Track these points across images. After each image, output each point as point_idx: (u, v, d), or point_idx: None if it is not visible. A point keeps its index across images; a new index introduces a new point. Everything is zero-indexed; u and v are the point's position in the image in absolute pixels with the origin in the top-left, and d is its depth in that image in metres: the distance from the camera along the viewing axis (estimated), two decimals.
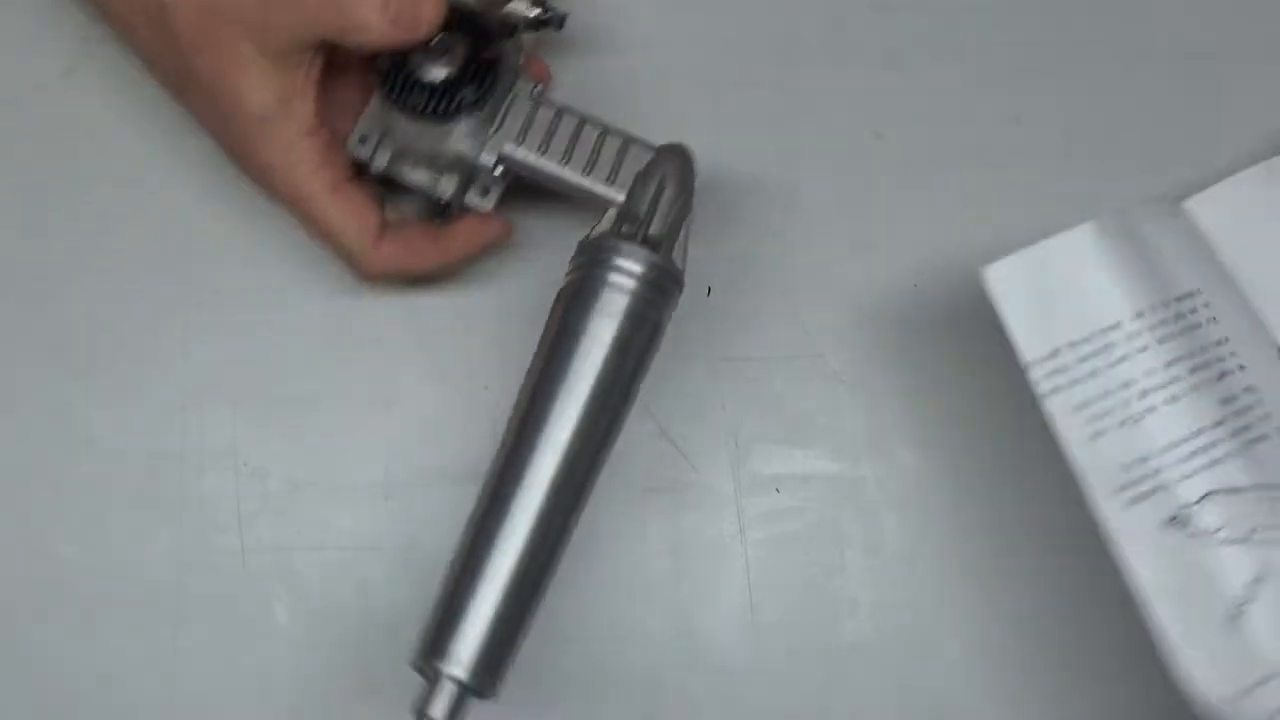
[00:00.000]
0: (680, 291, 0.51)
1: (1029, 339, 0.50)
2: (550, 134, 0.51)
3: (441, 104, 0.50)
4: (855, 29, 0.60)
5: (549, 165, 0.51)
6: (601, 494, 0.55)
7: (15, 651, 0.53)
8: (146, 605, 0.54)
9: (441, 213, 0.53)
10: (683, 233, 0.51)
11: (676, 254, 0.50)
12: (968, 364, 0.56)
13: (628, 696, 0.54)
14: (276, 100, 0.48)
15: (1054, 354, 0.50)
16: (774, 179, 0.58)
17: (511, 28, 0.52)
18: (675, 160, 0.51)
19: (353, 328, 0.56)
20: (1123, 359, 0.50)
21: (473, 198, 0.53)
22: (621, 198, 0.51)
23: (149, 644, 0.53)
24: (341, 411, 0.56)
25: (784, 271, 0.57)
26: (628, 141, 0.51)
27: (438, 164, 0.52)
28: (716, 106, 0.59)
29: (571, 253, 0.51)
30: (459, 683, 0.45)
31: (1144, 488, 0.49)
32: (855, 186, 0.58)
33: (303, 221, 0.52)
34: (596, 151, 0.51)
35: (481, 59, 0.50)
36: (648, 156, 0.51)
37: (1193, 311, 0.51)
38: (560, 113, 0.52)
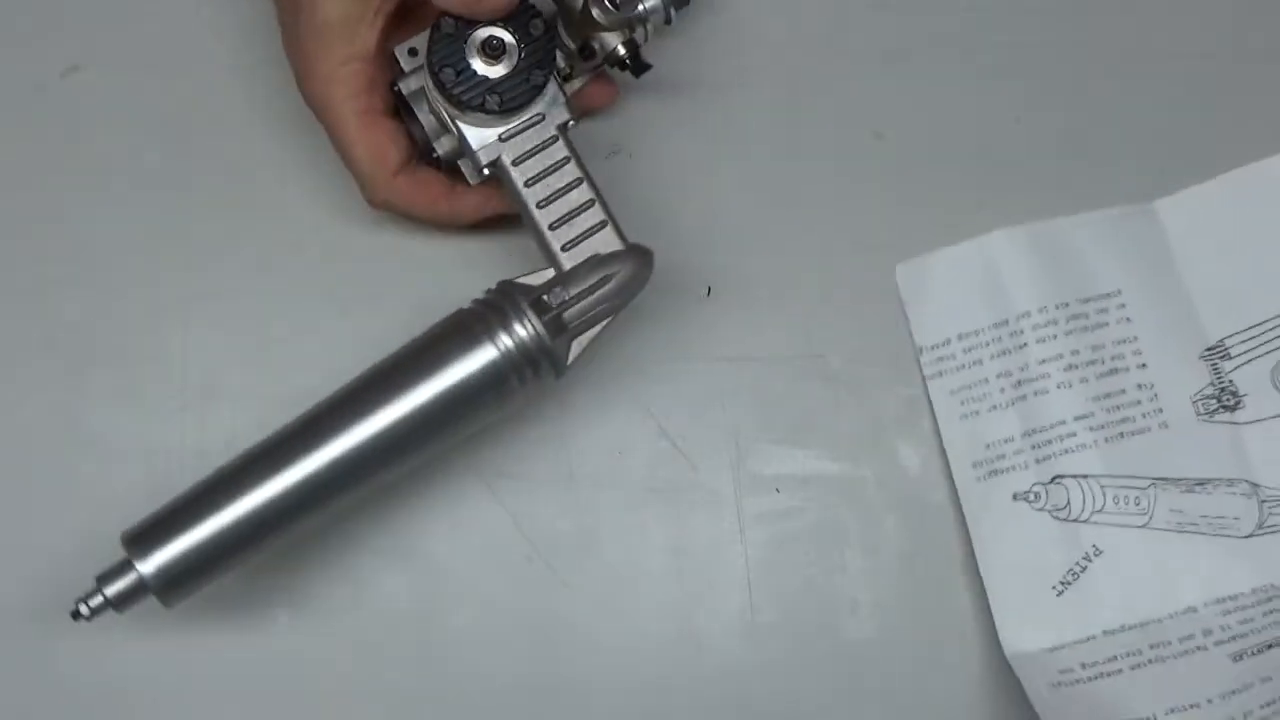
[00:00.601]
0: (555, 379, 0.50)
1: (923, 328, 0.57)
2: (546, 173, 0.51)
3: (465, 93, 0.49)
4: (855, 29, 0.60)
5: (527, 199, 0.51)
6: (601, 493, 0.55)
7: (15, 651, 0.53)
8: (145, 605, 0.54)
9: (430, 161, 0.53)
10: (595, 330, 0.50)
11: (577, 344, 0.50)
12: None
13: (628, 696, 0.54)
14: (343, 18, 0.50)
15: (944, 343, 0.56)
16: (774, 178, 0.58)
17: (592, 52, 0.52)
18: (632, 266, 0.50)
19: (352, 328, 0.56)
20: (1003, 353, 0.56)
21: (465, 166, 0.53)
22: (566, 268, 0.50)
23: (149, 644, 0.53)
24: None
25: (784, 271, 0.57)
26: (605, 222, 0.51)
27: (444, 124, 0.52)
28: (716, 107, 0.59)
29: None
30: (143, 580, 0.47)
31: (1000, 465, 0.55)
32: (855, 186, 0.58)
33: (329, 136, 0.53)
34: (574, 214, 0.50)
35: (529, 80, 0.50)
36: (613, 247, 0.50)
37: (1101, 311, 0.56)
38: (568, 159, 0.51)
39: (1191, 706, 0.52)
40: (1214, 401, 0.56)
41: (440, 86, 0.49)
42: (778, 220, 0.58)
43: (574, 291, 0.49)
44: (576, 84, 0.54)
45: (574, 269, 0.50)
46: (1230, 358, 0.56)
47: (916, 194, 0.58)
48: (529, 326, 0.48)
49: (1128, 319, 0.56)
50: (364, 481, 0.48)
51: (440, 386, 0.48)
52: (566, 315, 0.49)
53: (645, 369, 0.56)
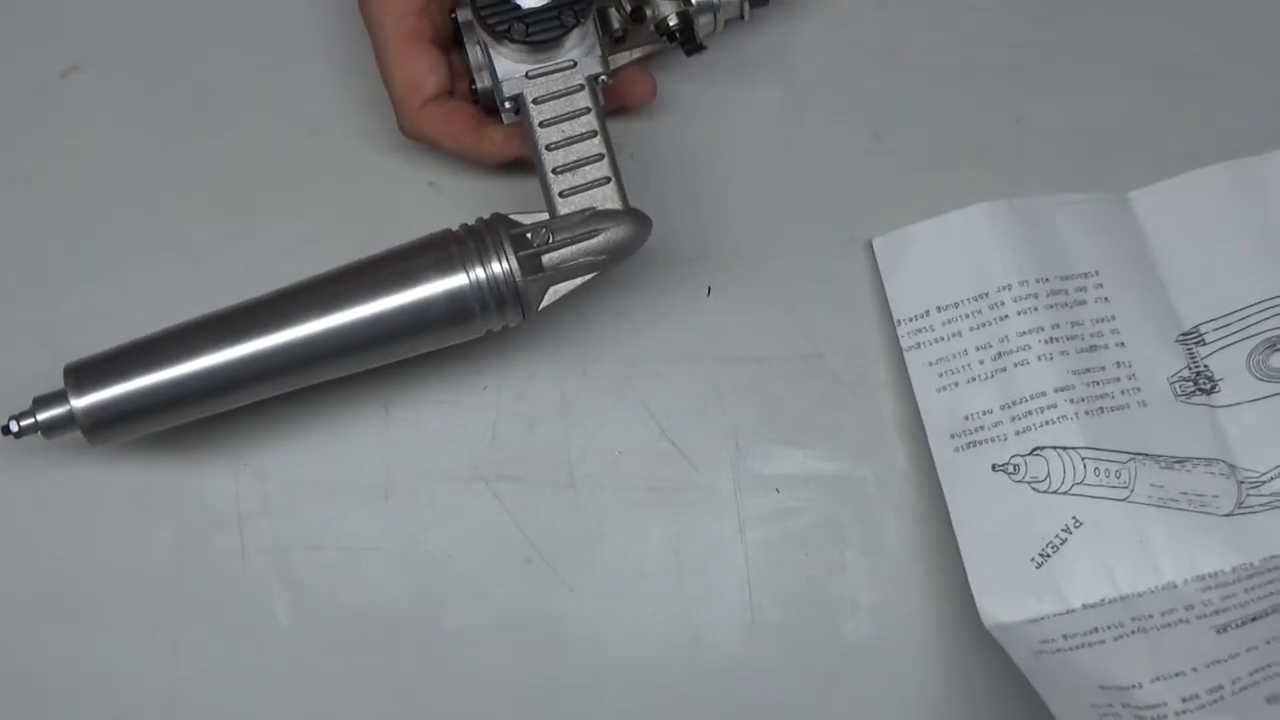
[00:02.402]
0: (518, 323, 0.50)
1: (901, 301, 0.57)
2: (563, 118, 0.50)
3: (492, 15, 0.49)
4: (855, 29, 0.60)
5: (538, 139, 0.50)
6: (601, 493, 0.55)
7: (15, 651, 0.53)
8: (146, 605, 0.54)
9: (471, 95, 0.54)
10: (573, 282, 0.50)
11: (552, 292, 0.50)
12: None
13: (629, 696, 0.54)
14: None
15: (923, 315, 0.56)
16: (774, 178, 0.58)
17: (642, 16, 0.52)
18: (626, 227, 0.50)
19: None
20: (983, 324, 0.56)
21: (503, 105, 0.53)
22: (561, 213, 0.50)
23: (149, 644, 0.53)
24: (341, 411, 0.56)
25: (784, 271, 0.57)
26: (610, 179, 0.50)
27: (486, 57, 0.52)
28: (716, 107, 0.59)
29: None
30: (72, 414, 0.48)
31: (979, 437, 0.55)
32: (854, 186, 0.58)
33: (375, 55, 0.53)
34: (580, 164, 0.50)
35: (560, 18, 0.49)
36: (612, 205, 0.50)
37: (1080, 290, 0.56)
38: (588, 110, 0.51)
39: (1177, 675, 0.51)
40: (1190, 384, 0.55)
41: (474, 7, 0.50)
42: (778, 220, 0.58)
43: (559, 237, 0.49)
44: (624, 57, 0.54)
45: (565, 216, 0.50)
46: (1205, 344, 0.56)
47: (915, 194, 0.58)
48: (503, 259, 0.48)
49: (1105, 299, 0.56)
50: (310, 371, 0.50)
51: (402, 298, 0.49)
52: (546, 258, 0.49)
53: (645, 369, 0.56)
